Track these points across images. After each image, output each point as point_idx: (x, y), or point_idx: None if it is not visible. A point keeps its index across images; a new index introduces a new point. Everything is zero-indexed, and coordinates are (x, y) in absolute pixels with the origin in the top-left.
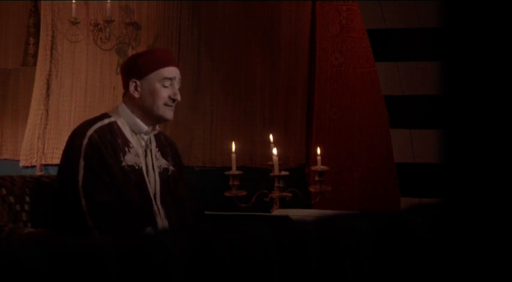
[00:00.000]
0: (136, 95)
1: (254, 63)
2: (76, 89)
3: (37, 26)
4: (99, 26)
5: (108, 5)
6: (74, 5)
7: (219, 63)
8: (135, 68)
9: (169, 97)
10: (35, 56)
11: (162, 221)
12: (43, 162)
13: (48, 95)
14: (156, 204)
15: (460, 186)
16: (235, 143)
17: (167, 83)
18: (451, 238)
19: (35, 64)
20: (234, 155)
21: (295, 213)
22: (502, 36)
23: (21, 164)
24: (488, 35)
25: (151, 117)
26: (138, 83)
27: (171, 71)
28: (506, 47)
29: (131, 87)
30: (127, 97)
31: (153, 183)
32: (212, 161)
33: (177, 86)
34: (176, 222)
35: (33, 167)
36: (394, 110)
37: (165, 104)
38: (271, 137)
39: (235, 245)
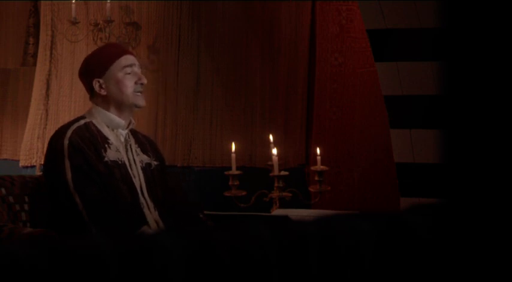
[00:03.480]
0: (103, 92)
1: (254, 63)
2: (76, 89)
3: (37, 26)
4: (99, 26)
5: (108, 5)
6: (73, 5)
7: (219, 63)
8: (94, 68)
9: (136, 83)
10: (35, 56)
11: (151, 214)
12: (43, 162)
13: (47, 95)
14: (144, 197)
15: (460, 186)
16: (235, 143)
17: (129, 70)
18: (451, 238)
19: (34, 64)
20: (233, 155)
21: (294, 213)
22: (502, 36)
23: (21, 164)
24: (488, 35)
25: (124, 108)
26: (101, 80)
27: (128, 58)
28: (506, 47)
29: (96, 87)
30: (95, 98)
31: (138, 177)
32: (212, 161)
33: (138, 70)
34: (166, 214)
35: (32, 167)
36: (394, 110)
37: (134, 91)
38: (271, 137)
39: (234, 245)
